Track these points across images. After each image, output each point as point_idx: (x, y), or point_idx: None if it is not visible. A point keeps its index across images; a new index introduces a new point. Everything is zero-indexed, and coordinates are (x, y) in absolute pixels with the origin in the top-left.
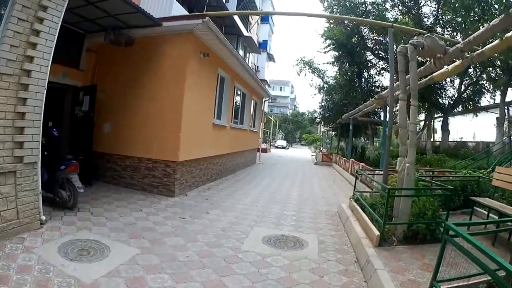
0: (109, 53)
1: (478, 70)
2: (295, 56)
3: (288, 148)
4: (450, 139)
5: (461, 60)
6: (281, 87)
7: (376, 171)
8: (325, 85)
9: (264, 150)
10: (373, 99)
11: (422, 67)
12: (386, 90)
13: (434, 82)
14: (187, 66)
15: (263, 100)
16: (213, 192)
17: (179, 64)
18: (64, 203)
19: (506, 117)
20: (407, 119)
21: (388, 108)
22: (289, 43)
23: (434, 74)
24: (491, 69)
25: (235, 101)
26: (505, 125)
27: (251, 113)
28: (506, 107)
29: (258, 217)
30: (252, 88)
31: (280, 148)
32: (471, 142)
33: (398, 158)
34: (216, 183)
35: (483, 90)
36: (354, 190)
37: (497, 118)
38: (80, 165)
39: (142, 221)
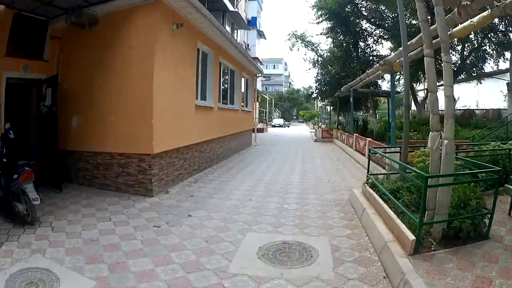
0: (73, 37)
1: (479, 36)
2: (287, 32)
3: (287, 127)
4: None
5: (490, 10)
6: (274, 65)
7: (389, 149)
8: (319, 59)
9: (261, 130)
10: (377, 65)
11: (432, 26)
12: (393, 54)
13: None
14: (156, 40)
15: (255, 77)
16: (200, 185)
17: (147, 39)
18: (23, 218)
19: None
20: (437, 80)
21: (397, 75)
22: (280, 20)
23: (454, 29)
24: (492, 34)
25: (222, 79)
26: None
27: (242, 91)
28: None
29: (252, 217)
30: (241, 64)
31: (277, 126)
32: (479, 110)
33: (430, 134)
34: (205, 173)
35: (486, 56)
36: (367, 173)
37: (507, 84)
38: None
39: (107, 236)
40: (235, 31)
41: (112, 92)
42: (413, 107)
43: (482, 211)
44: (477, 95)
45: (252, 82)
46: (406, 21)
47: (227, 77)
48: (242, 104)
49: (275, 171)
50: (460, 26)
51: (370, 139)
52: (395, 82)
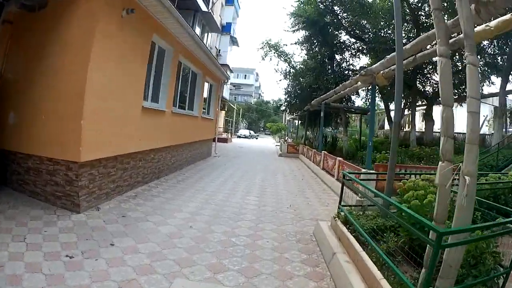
0: (22, 22)
1: (464, 58)
2: (261, 41)
3: (256, 138)
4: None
5: None
6: (245, 75)
7: (365, 173)
8: (291, 70)
9: (225, 140)
10: (357, 75)
11: (450, 20)
12: (375, 65)
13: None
14: (97, 27)
15: (221, 83)
16: (139, 201)
17: (87, 25)
18: None
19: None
20: (452, 89)
21: (368, 91)
22: (256, 30)
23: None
24: (479, 57)
25: (180, 80)
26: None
27: (205, 97)
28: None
29: (187, 254)
30: (205, 67)
31: (243, 137)
32: (459, 133)
33: (440, 164)
34: (149, 187)
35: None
36: (339, 203)
37: (495, 109)
38: None
39: (14, 262)
40: (206, 33)
41: (47, 87)
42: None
43: (498, 269)
44: (455, 119)
45: (217, 88)
46: (383, 34)
47: (187, 80)
48: (203, 110)
49: (230, 189)
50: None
51: (340, 158)
52: (367, 101)
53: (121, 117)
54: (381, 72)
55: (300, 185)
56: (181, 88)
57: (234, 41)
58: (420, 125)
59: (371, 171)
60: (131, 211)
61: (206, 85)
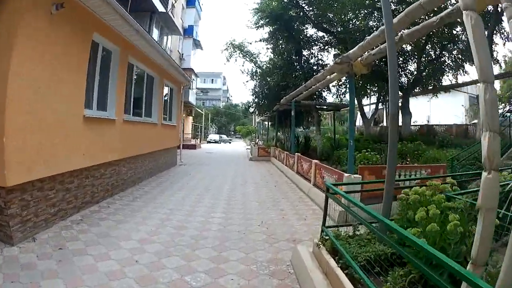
0: None
1: (437, 46)
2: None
3: (229, 143)
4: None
5: None
6: (212, 79)
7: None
8: (258, 70)
9: (193, 147)
10: (331, 65)
11: None
12: (352, 50)
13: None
14: (19, 25)
15: (183, 86)
16: (83, 227)
17: (8, 23)
18: None
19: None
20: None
21: (341, 86)
22: (220, 34)
23: None
24: (452, 44)
25: (133, 85)
26: None
27: (163, 102)
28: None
29: None
30: (163, 70)
31: (213, 142)
32: (440, 125)
33: (484, 175)
34: (99, 208)
35: (445, 68)
36: (323, 224)
37: (477, 97)
38: None
39: None
40: (166, 36)
41: None
42: (358, 122)
43: None
44: (428, 110)
45: (178, 92)
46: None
47: (142, 84)
48: (164, 117)
49: (192, 205)
50: None
51: (317, 161)
52: (338, 97)
53: (56, 130)
54: (359, 59)
55: (273, 194)
56: (135, 94)
57: (197, 44)
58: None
59: (356, 177)
60: (71, 240)
61: (166, 90)
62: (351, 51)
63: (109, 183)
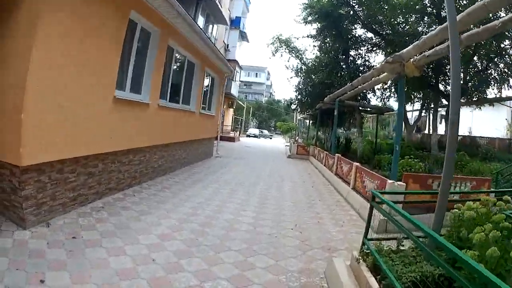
0: None
1: (484, 59)
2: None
3: (270, 138)
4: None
5: None
6: (256, 73)
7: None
8: (303, 67)
9: (232, 139)
10: (384, 62)
11: None
12: (406, 49)
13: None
14: None
15: (225, 77)
16: (102, 216)
17: None
18: None
19: None
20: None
21: (387, 90)
22: (268, 28)
23: None
24: (499, 58)
25: (172, 69)
26: None
27: (203, 90)
28: None
29: None
30: (204, 56)
31: (252, 136)
32: (482, 138)
33: None
34: (124, 195)
35: (490, 80)
36: (365, 235)
37: None
38: None
39: None
40: (211, 24)
41: None
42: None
43: None
44: (469, 122)
45: (220, 82)
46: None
47: (182, 70)
48: (203, 106)
49: (223, 200)
50: None
51: (358, 164)
52: (382, 101)
53: (81, 109)
54: (411, 60)
55: (309, 195)
56: (174, 79)
57: (243, 36)
58: (439, 127)
59: (400, 184)
60: (87, 230)
61: (208, 79)
62: (404, 50)
63: (138, 170)
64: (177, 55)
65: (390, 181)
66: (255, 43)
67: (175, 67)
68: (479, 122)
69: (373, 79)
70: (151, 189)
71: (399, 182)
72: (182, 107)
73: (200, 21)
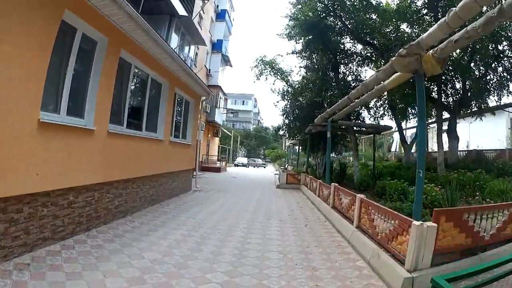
0: None
1: (480, 64)
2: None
3: (264, 167)
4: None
5: None
6: (243, 101)
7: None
8: (289, 89)
9: (217, 170)
10: (395, 57)
11: None
12: (425, 34)
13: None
14: None
15: (201, 100)
16: (21, 280)
17: None
18: None
19: None
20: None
21: (381, 108)
22: (253, 54)
23: None
24: (496, 63)
25: (128, 88)
26: None
27: (174, 116)
28: None
29: None
30: (174, 76)
31: (240, 166)
32: (490, 150)
33: None
34: (62, 247)
35: (490, 88)
36: None
37: None
38: None
39: None
40: (188, 46)
41: None
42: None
43: None
44: (467, 135)
45: (196, 107)
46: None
47: (144, 90)
48: (176, 134)
49: (185, 256)
50: None
51: (362, 195)
52: (375, 121)
53: None
54: (431, 51)
55: (302, 239)
56: (133, 101)
57: (226, 60)
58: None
59: (430, 226)
60: None
61: (181, 103)
62: (423, 36)
63: (83, 214)
64: (136, 71)
65: (416, 223)
66: (240, 69)
67: (134, 86)
68: (476, 134)
69: (375, 87)
70: (98, 239)
71: (429, 223)
72: (146, 135)
73: (174, 39)
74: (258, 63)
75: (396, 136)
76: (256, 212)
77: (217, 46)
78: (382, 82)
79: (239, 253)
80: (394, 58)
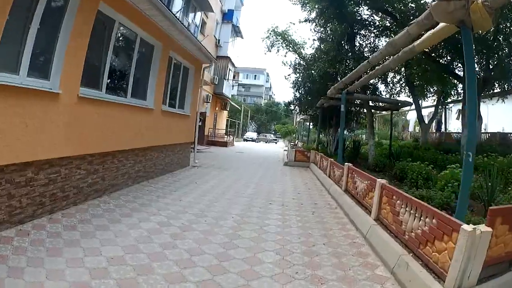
0: None
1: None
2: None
3: (275, 142)
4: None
5: None
6: (255, 75)
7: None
8: (301, 61)
9: (224, 144)
10: (435, 2)
11: None
12: None
13: None
14: None
15: (203, 67)
16: None
17: None
18: None
19: None
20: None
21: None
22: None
23: None
24: None
25: (110, 47)
26: None
27: (169, 82)
28: None
29: None
30: (169, 38)
31: (249, 140)
32: None
33: None
34: (17, 233)
35: None
36: None
37: None
38: None
39: None
40: (194, 12)
41: None
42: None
43: None
44: (485, 118)
45: (196, 74)
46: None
47: (130, 51)
48: (171, 102)
49: (150, 257)
50: None
51: (384, 181)
52: (392, 96)
53: None
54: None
55: (308, 232)
56: (116, 63)
57: (237, 32)
58: (456, 124)
59: (485, 232)
60: None
61: (178, 69)
62: None
63: (46, 193)
64: (122, 29)
65: (467, 228)
66: (253, 43)
67: (118, 47)
68: (494, 118)
69: (402, 50)
70: (59, 224)
71: (482, 228)
72: (132, 102)
73: (178, 2)
74: (270, 34)
75: (410, 115)
76: (257, 194)
77: (227, 17)
78: (417, 40)
79: (225, 252)
80: (434, 2)
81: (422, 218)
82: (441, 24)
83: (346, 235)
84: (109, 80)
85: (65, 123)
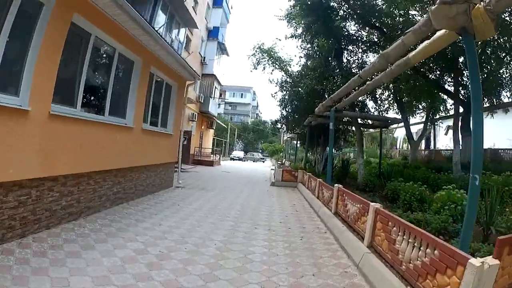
0: None
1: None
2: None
3: (262, 161)
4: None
5: None
6: (242, 94)
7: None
8: (288, 79)
9: (210, 163)
10: (436, 6)
11: None
12: None
13: None
14: None
15: (186, 84)
16: None
17: None
18: None
19: None
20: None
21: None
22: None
23: None
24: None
25: (85, 60)
26: None
27: (150, 100)
28: None
29: None
30: (151, 54)
31: (236, 159)
32: (508, 150)
33: None
34: None
35: (503, 82)
36: None
37: None
38: None
39: None
40: (177, 28)
41: None
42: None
43: None
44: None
45: (180, 92)
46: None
47: (109, 67)
48: (153, 121)
49: None
50: None
51: (378, 205)
52: (380, 113)
53: None
54: (482, 3)
55: (296, 261)
56: (92, 78)
57: (223, 49)
58: (444, 141)
59: (493, 265)
60: None
61: (161, 86)
62: None
63: (15, 216)
64: (99, 43)
65: (475, 262)
66: (239, 61)
67: (94, 62)
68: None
69: (396, 63)
70: (28, 249)
71: (490, 261)
72: (110, 120)
73: (161, 18)
74: (256, 51)
75: (398, 132)
76: (242, 217)
77: (213, 34)
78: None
79: (204, 286)
80: (434, 6)
81: (422, 248)
82: (439, 33)
83: (337, 264)
84: (84, 97)
85: (36, 143)
